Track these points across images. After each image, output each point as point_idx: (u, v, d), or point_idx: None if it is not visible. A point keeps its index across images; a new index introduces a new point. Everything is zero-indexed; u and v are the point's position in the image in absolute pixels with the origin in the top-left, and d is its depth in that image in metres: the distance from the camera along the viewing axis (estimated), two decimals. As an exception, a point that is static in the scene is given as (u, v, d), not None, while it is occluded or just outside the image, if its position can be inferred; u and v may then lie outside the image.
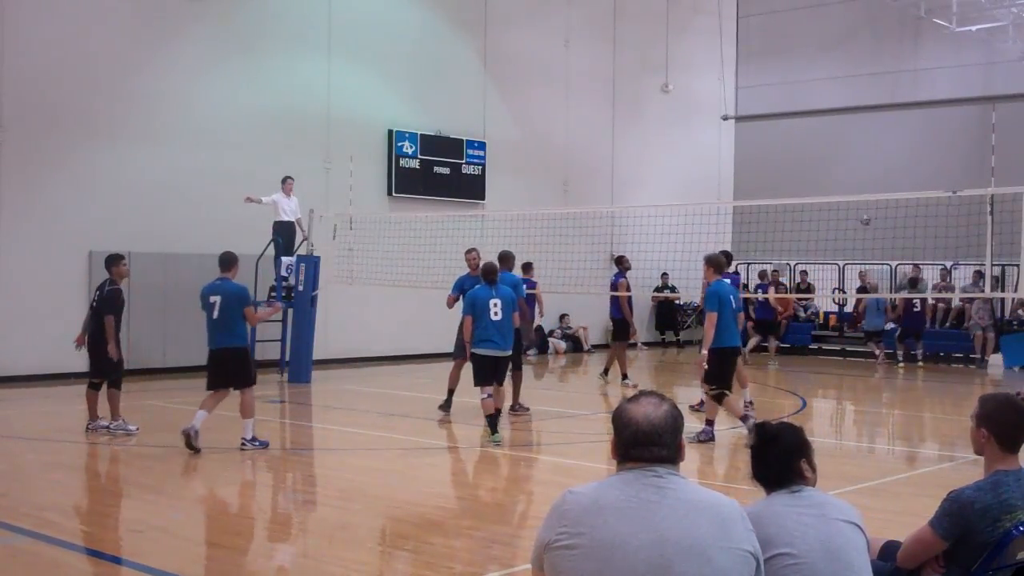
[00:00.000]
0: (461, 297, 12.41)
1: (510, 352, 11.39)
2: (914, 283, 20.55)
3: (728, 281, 11.73)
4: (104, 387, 11.35)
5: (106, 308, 11.15)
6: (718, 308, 10.78)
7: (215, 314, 10.21)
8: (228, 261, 10.51)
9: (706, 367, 10.88)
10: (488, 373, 11.04)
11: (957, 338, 21.25)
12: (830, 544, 3.51)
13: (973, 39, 23.50)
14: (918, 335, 20.94)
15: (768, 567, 3.35)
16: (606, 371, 16.79)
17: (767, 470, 3.76)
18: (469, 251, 13.03)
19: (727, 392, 10.94)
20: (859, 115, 24.71)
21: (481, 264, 12.02)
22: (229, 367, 10.31)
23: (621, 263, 16.23)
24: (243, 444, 10.29)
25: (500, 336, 11.10)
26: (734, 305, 11.12)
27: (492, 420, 10.90)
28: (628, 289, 15.95)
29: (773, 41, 26.62)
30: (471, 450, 10.93)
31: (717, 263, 11.25)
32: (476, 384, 11.10)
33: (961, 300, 20.99)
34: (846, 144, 25.07)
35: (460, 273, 13.32)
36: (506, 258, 12.64)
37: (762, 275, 22.95)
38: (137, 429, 11.29)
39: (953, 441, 11.64)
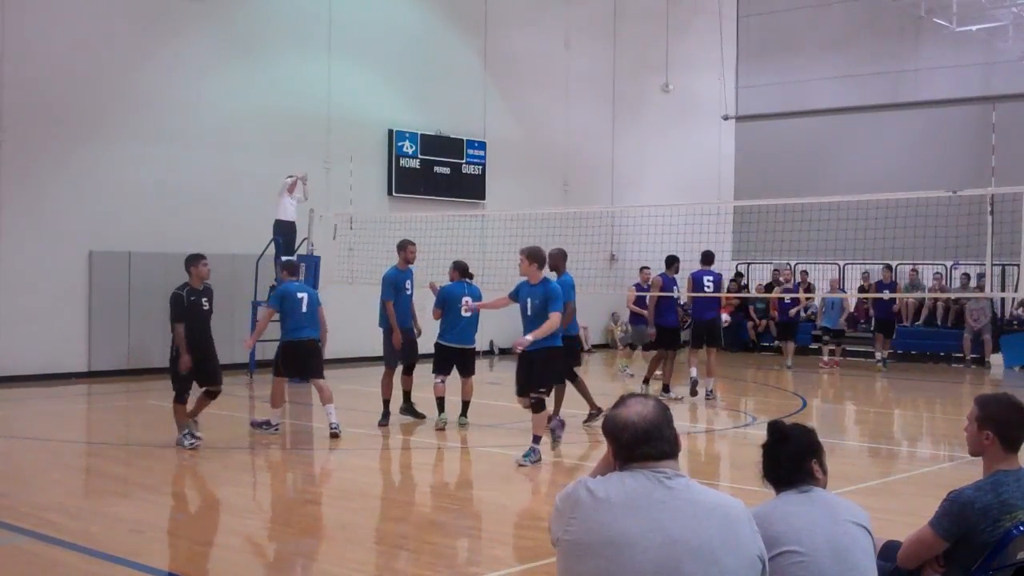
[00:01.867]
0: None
1: (473, 346, 12.10)
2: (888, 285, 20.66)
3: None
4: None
5: (172, 315, 10.29)
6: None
7: (304, 308, 11.31)
8: (298, 266, 12.35)
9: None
10: (447, 363, 11.89)
11: (958, 338, 21.23)
12: (837, 544, 3.52)
13: (973, 39, 23.49)
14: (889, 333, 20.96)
15: (775, 564, 3.36)
16: (646, 379, 14.99)
17: (778, 470, 3.76)
18: (407, 244, 12.35)
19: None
20: (859, 115, 24.67)
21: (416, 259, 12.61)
22: (311, 354, 11.42)
23: (672, 264, 14.87)
24: (333, 428, 11.02)
25: (468, 331, 11.90)
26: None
27: (440, 402, 11.79)
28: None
29: (773, 41, 26.58)
30: (471, 450, 10.94)
31: (542, 259, 9.91)
32: (434, 371, 11.88)
33: (959, 301, 20.98)
34: (846, 144, 25.03)
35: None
36: (555, 256, 11.26)
37: (798, 274, 22.30)
38: (200, 438, 10.52)
39: (953, 441, 11.64)
